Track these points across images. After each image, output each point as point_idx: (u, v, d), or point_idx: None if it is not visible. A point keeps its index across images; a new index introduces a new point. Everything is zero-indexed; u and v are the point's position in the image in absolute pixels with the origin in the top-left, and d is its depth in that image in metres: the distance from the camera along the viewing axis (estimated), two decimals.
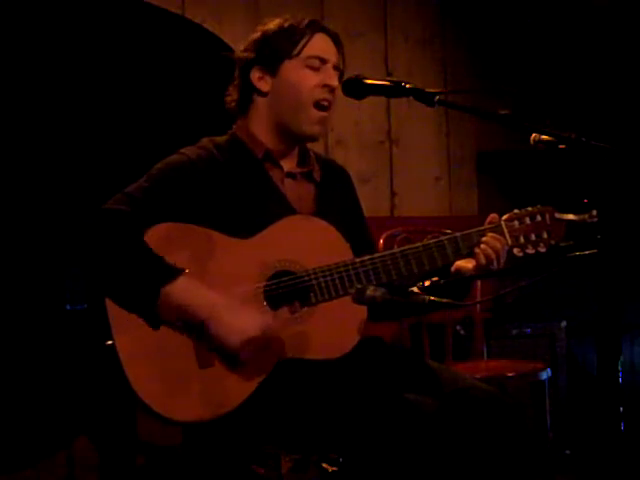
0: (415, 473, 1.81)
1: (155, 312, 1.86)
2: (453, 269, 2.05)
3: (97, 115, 2.82)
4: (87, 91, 2.80)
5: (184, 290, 1.86)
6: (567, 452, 3.86)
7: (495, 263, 2.01)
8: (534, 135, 1.71)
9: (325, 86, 2.05)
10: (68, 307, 2.74)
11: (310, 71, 2.05)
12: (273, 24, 2.09)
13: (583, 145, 1.64)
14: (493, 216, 2.06)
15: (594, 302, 3.94)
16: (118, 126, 2.84)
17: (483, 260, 1.99)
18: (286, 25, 2.08)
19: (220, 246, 1.95)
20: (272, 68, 2.07)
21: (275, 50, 2.06)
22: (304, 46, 2.05)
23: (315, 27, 2.08)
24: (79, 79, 2.78)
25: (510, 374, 2.94)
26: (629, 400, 3.73)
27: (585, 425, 3.92)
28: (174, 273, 1.87)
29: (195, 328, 1.88)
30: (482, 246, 2.00)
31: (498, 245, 2.00)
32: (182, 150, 2.06)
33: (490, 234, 2.01)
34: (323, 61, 2.06)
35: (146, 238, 1.92)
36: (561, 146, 1.67)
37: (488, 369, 3.06)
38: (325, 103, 2.06)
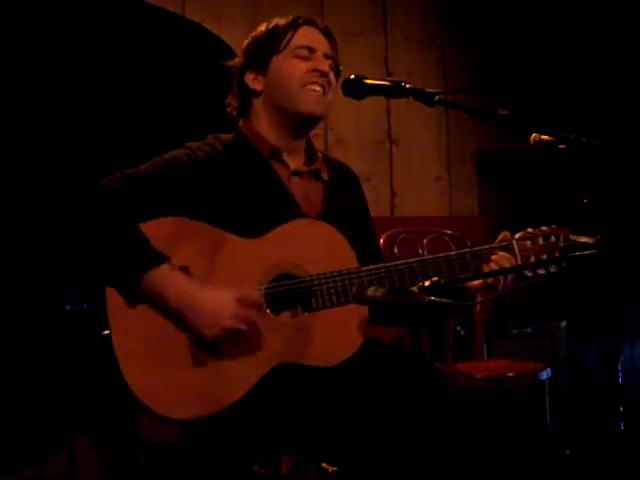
0: (418, 473, 1.81)
1: (136, 293, 1.87)
2: (459, 284, 2.04)
3: (97, 114, 2.82)
4: (87, 90, 2.80)
5: (164, 277, 1.86)
6: (567, 452, 3.86)
7: (502, 281, 2.00)
8: (534, 135, 1.71)
9: (315, 71, 2.05)
10: (68, 308, 2.74)
11: (299, 60, 2.06)
12: (261, 27, 2.12)
13: (583, 145, 1.63)
14: (505, 234, 2.03)
15: (594, 302, 3.95)
16: (119, 124, 2.84)
17: (490, 279, 1.99)
18: (271, 26, 2.10)
19: (226, 244, 1.95)
20: (262, 67, 2.08)
21: (263, 50, 2.08)
22: (290, 39, 2.07)
23: (299, 21, 2.09)
24: (79, 78, 2.78)
25: (510, 374, 2.94)
26: (629, 400, 3.73)
27: (585, 425, 3.92)
28: (159, 260, 1.87)
29: (172, 316, 1.88)
30: (491, 264, 1.98)
31: (507, 264, 1.98)
32: (187, 144, 2.06)
33: (500, 253, 1.99)
34: (312, 50, 2.07)
35: (153, 229, 1.92)
36: (561, 146, 1.67)
37: (488, 369, 3.06)
38: (317, 87, 2.06)
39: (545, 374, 3.03)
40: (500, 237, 2.03)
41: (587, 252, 1.63)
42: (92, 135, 2.81)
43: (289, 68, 2.06)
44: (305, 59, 2.06)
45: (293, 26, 2.08)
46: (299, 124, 2.11)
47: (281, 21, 2.10)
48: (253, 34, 2.13)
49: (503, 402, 1.94)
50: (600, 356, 3.66)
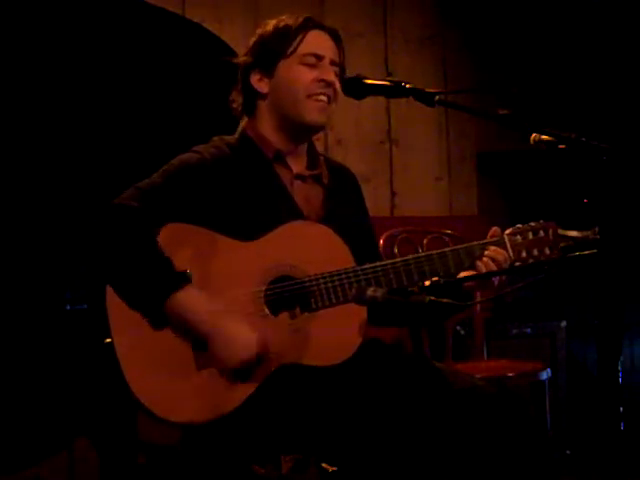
0: (418, 473, 1.81)
1: (161, 316, 1.87)
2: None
3: (98, 114, 2.82)
4: (86, 91, 2.80)
5: (189, 300, 1.86)
6: (567, 452, 3.86)
7: (497, 277, 2.02)
8: (534, 135, 1.71)
9: (321, 81, 2.05)
10: (68, 307, 2.74)
11: (305, 68, 2.05)
12: (269, 26, 2.10)
13: (583, 145, 1.63)
14: (495, 229, 2.05)
15: (594, 302, 3.95)
16: (119, 125, 2.84)
17: (484, 272, 2.00)
18: (281, 25, 2.08)
19: (222, 248, 1.95)
20: (269, 69, 2.08)
21: (270, 51, 2.07)
22: (298, 44, 2.05)
23: (309, 24, 2.08)
24: (79, 79, 2.78)
25: (510, 374, 2.94)
26: (629, 400, 3.73)
27: (585, 425, 3.92)
28: (182, 280, 1.87)
29: (196, 339, 1.88)
30: (484, 259, 2.00)
31: (500, 258, 2.00)
32: (196, 148, 2.06)
33: (493, 247, 2.01)
34: (319, 57, 2.06)
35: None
36: (561, 146, 1.67)
37: (488, 369, 3.06)
38: (322, 97, 2.05)
39: (545, 374, 3.03)
40: (490, 233, 2.05)
41: (587, 252, 1.63)
42: (92, 136, 2.81)
43: (296, 75, 2.05)
44: (312, 67, 2.05)
45: (302, 29, 2.06)
46: (302, 131, 2.11)
47: (290, 21, 2.08)
48: (260, 32, 2.11)
49: (503, 402, 1.94)
50: (600, 356, 3.66)
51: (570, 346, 4.03)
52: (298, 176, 2.13)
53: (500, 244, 2.02)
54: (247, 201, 2.02)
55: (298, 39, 2.05)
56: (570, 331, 4.00)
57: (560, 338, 3.98)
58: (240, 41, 2.18)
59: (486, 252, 2.00)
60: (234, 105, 2.16)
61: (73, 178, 2.78)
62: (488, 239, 2.04)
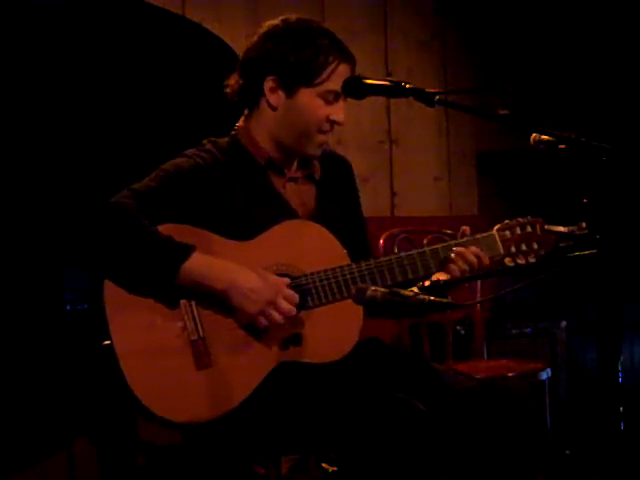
0: (418, 473, 1.81)
1: (174, 291, 1.88)
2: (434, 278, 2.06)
3: (97, 114, 2.82)
4: (87, 90, 2.80)
5: (200, 264, 1.88)
6: (567, 452, 3.86)
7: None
8: (534, 135, 1.71)
9: (332, 121, 2.05)
10: (68, 307, 2.74)
11: (323, 103, 2.04)
12: (300, 35, 2.03)
13: (583, 145, 1.63)
14: (465, 228, 2.08)
15: (594, 302, 3.95)
16: (118, 125, 2.85)
17: (458, 274, 2.00)
18: (314, 44, 2.02)
19: (219, 248, 1.96)
20: (289, 88, 2.04)
21: (298, 72, 2.02)
22: (327, 78, 2.02)
23: (342, 57, 2.06)
24: (79, 79, 2.78)
25: (510, 374, 2.94)
26: (629, 400, 3.73)
27: (585, 425, 3.92)
28: (188, 250, 1.88)
29: (216, 299, 1.90)
30: (453, 256, 2.01)
31: (471, 258, 2.01)
32: (187, 153, 2.05)
33: (470, 248, 2.02)
34: (337, 96, 2.04)
35: None
36: (561, 146, 1.67)
37: (488, 369, 3.06)
38: (328, 134, 2.08)
39: (545, 374, 3.03)
40: (460, 232, 2.08)
41: (587, 252, 1.63)
42: (91, 136, 2.81)
43: (313, 108, 2.03)
44: (328, 103, 2.04)
45: (336, 60, 2.04)
46: (296, 156, 2.13)
47: (322, 39, 2.03)
48: (284, 34, 2.03)
49: (503, 402, 1.95)
50: (600, 356, 3.65)
51: (570, 346, 4.03)
52: (291, 179, 2.13)
53: (490, 239, 2.05)
54: (241, 207, 2.02)
55: (329, 71, 2.02)
56: (570, 331, 4.00)
57: (560, 338, 3.98)
58: (240, 41, 2.16)
59: (453, 255, 2.00)
60: (229, 90, 2.12)
61: (72, 177, 2.78)
62: (479, 234, 2.07)
